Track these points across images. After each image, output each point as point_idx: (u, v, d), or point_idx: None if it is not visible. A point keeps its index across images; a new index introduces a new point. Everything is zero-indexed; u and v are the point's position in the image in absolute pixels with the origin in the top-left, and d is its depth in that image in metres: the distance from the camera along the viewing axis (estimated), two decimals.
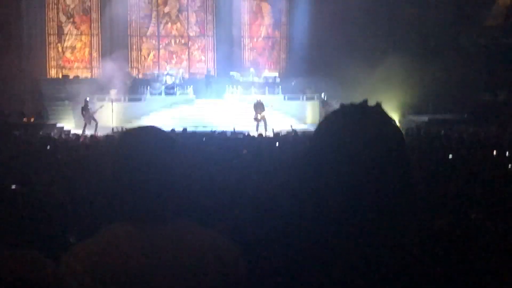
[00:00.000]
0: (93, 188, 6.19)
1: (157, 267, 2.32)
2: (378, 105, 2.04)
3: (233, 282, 2.32)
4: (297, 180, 2.08)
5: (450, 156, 14.67)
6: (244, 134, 22.38)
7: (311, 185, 1.98)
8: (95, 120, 30.41)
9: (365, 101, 2.06)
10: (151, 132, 2.50)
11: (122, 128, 24.50)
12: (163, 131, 2.54)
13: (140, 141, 2.44)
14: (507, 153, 15.44)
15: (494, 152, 15.55)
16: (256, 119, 30.84)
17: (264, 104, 31.24)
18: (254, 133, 24.53)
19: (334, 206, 1.93)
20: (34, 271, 2.13)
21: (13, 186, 7.80)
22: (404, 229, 1.94)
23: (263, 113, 30.96)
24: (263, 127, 30.26)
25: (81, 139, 22.53)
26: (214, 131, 23.66)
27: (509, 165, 12.89)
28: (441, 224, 3.54)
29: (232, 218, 4.42)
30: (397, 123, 2.06)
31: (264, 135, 23.80)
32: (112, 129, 25.51)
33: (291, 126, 25.35)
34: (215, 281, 2.34)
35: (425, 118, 31.80)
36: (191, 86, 35.79)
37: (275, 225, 2.06)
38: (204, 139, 19.23)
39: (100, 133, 26.54)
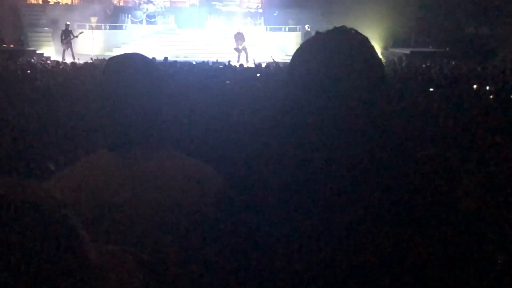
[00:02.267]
0: (74, 115, 6.17)
1: (139, 195, 2.31)
2: (352, 29, 2.02)
3: (215, 210, 2.32)
4: (277, 113, 2.07)
5: (431, 89, 14.73)
6: (225, 64, 22.28)
7: (289, 118, 1.96)
8: (71, 47, 30.16)
9: (338, 28, 2.04)
10: (136, 59, 2.47)
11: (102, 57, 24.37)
12: (148, 58, 2.50)
13: (125, 68, 2.40)
14: (487, 87, 15.53)
15: (475, 86, 15.61)
16: (237, 49, 30.70)
17: (244, 35, 31.06)
18: (235, 64, 24.43)
19: (313, 138, 1.92)
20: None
21: None
22: (385, 159, 1.92)
23: (244, 44, 30.80)
24: (244, 57, 30.13)
25: (60, 66, 22.39)
26: (194, 61, 23.56)
27: (491, 96, 12.99)
28: (423, 155, 3.55)
29: (217, 149, 4.44)
30: (379, 54, 2.04)
31: (245, 66, 23.74)
32: (91, 58, 25.28)
33: (271, 57, 25.23)
34: (198, 209, 2.34)
35: (407, 51, 31.75)
36: (173, 15, 35.42)
37: (259, 158, 2.03)
38: (185, 68, 19.17)
39: (80, 60, 26.35)
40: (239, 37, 30.96)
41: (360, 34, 2.00)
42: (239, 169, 2.09)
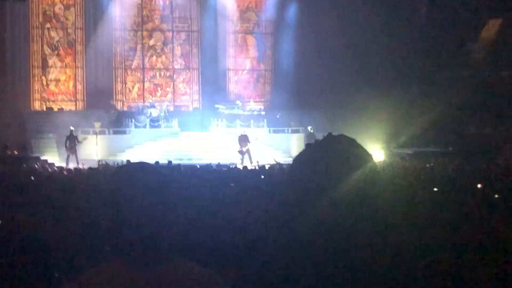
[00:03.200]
0: (81, 223, 6.20)
1: None
2: (341, 135, 2.22)
3: None
4: (279, 205, 2.27)
5: (435, 189, 14.74)
6: (229, 167, 22.41)
7: (291, 208, 2.11)
8: (75, 152, 30.41)
9: (329, 134, 2.25)
10: (144, 168, 2.51)
11: (106, 162, 24.52)
12: (155, 167, 2.55)
13: (134, 177, 2.44)
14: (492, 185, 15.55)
15: (479, 186, 15.63)
16: (241, 152, 30.93)
17: (248, 136, 31.35)
18: (239, 166, 24.57)
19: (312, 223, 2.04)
20: None
21: None
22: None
23: (248, 146, 31.06)
24: (248, 159, 30.32)
25: (64, 172, 22.49)
26: (198, 164, 23.70)
27: (495, 196, 12.98)
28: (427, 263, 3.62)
29: (225, 253, 4.45)
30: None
31: (248, 168, 23.85)
32: (98, 161, 25.48)
33: (274, 159, 25.44)
34: None
35: (409, 151, 31.93)
36: (176, 118, 35.81)
37: (269, 256, 2.14)
38: (189, 172, 19.24)
39: (84, 165, 26.49)
40: (243, 139, 31.25)
41: (348, 138, 2.21)
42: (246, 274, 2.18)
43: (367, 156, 2.19)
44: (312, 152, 2.17)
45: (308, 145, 2.23)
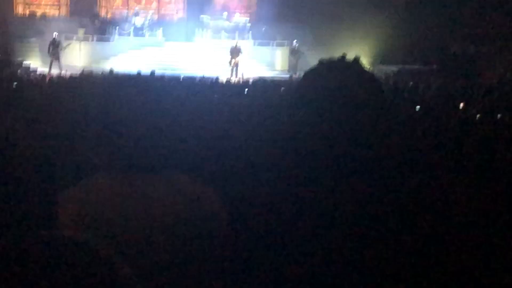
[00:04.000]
0: (69, 132, 6.21)
1: (144, 217, 2.34)
2: (356, 60, 2.16)
3: (215, 235, 2.37)
4: (281, 132, 2.22)
5: (418, 107, 14.85)
6: (212, 80, 22.33)
7: (296, 138, 2.10)
8: (59, 59, 30.19)
9: (343, 57, 2.18)
10: (139, 80, 2.53)
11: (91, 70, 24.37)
12: (152, 79, 2.56)
13: (125, 89, 2.46)
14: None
15: (461, 105, 15.76)
16: (231, 63, 30.78)
17: (241, 49, 31.16)
18: (224, 78, 24.45)
19: (319, 155, 2.05)
20: None
21: None
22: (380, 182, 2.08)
23: (238, 58, 30.90)
24: (235, 72, 30.24)
25: (47, 78, 22.37)
26: (182, 76, 23.56)
27: (477, 116, 13.11)
28: (412, 185, 3.66)
29: (216, 167, 4.51)
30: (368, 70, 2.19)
31: (234, 81, 23.86)
32: (83, 70, 25.35)
33: (257, 76, 25.47)
34: (199, 233, 2.39)
35: (394, 68, 31.94)
36: (161, 28, 35.49)
37: (259, 176, 2.16)
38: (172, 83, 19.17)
39: (68, 72, 26.33)
40: (235, 51, 31.05)
41: (359, 62, 2.15)
42: (240, 184, 2.22)
43: (384, 101, 2.15)
44: (322, 75, 2.12)
45: (322, 62, 2.17)
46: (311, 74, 2.16)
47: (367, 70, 2.14)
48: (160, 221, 2.36)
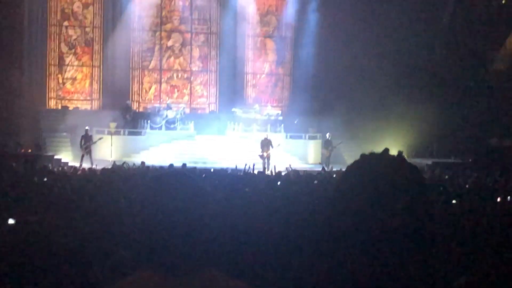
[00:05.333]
0: (102, 228, 6.22)
1: None
2: (399, 155, 2.17)
3: None
4: (320, 223, 2.22)
5: (454, 201, 14.71)
6: (244, 171, 22.37)
7: (336, 229, 2.09)
8: (90, 153, 30.52)
9: (387, 150, 2.19)
10: (180, 177, 2.53)
11: (127, 162, 24.60)
12: (190, 176, 2.56)
13: (170, 187, 2.47)
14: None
15: (498, 199, 15.60)
16: (262, 156, 30.86)
17: (271, 141, 31.29)
18: (256, 171, 24.47)
19: (358, 246, 2.05)
20: None
21: (11, 221, 7.79)
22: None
23: (270, 151, 31.00)
24: (267, 165, 30.30)
25: (79, 172, 22.59)
26: (212, 168, 23.68)
27: None
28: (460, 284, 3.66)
29: (254, 263, 4.49)
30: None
31: (265, 173, 23.88)
32: (114, 162, 25.62)
33: (290, 165, 25.47)
34: None
35: (428, 161, 31.83)
36: (192, 121, 35.87)
37: (299, 268, 2.16)
38: (204, 175, 19.27)
39: (98, 166, 26.56)
40: (266, 143, 31.17)
41: (402, 157, 2.16)
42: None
43: (424, 188, 2.16)
44: (366, 168, 2.13)
45: (364, 156, 2.18)
46: (353, 167, 2.17)
47: (411, 164, 2.15)
48: None
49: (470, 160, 32.53)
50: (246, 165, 22.80)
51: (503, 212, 12.74)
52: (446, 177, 23.62)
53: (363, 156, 2.18)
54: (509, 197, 16.05)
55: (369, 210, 2.04)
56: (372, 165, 2.12)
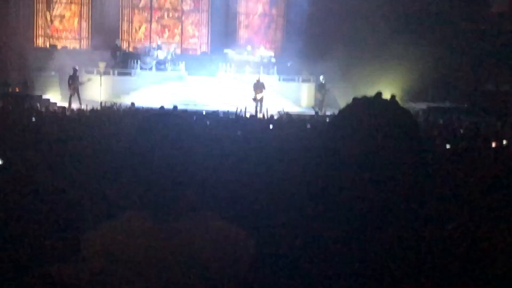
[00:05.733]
0: (91, 168, 6.20)
1: (171, 260, 2.32)
2: (393, 98, 2.14)
3: (244, 276, 2.33)
4: (311, 168, 2.18)
5: (448, 146, 14.76)
6: (236, 114, 22.34)
7: (327, 174, 2.07)
8: (78, 93, 30.39)
9: (379, 94, 2.16)
10: (171, 119, 2.50)
11: (116, 103, 24.57)
12: (181, 117, 2.53)
13: (161, 128, 2.43)
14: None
15: (493, 144, 15.67)
16: (255, 99, 30.82)
17: (264, 84, 31.21)
18: (248, 114, 24.46)
19: (352, 195, 2.03)
20: None
21: None
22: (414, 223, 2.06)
23: (263, 94, 30.94)
24: (259, 108, 30.27)
25: (67, 112, 22.55)
26: (204, 111, 23.63)
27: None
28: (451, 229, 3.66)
29: (247, 206, 4.47)
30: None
31: (258, 117, 23.88)
32: (101, 103, 25.56)
33: (283, 109, 25.47)
34: (227, 275, 2.36)
35: (423, 105, 31.86)
36: (183, 62, 35.68)
37: (289, 212, 2.15)
38: (195, 118, 19.23)
39: (87, 107, 26.49)
40: (259, 86, 31.09)
41: (395, 101, 2.13)
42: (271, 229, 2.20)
43: (417, 132, 2.14)
44: (354, 118, 2.11)
45: (356, 100, 2.16)
46: (345, 112, 2.14)
47: (404, 108, 2.13)
48: (185, 262, 2.33)
49: (465, 105, 32.57)
50: (237, 108, 22.75)
51: (497, 156, 12.79)
52: (441, 121, 23.68)
53: (355, 99, 2.15)
54: (504, 141, 16.14)
55: (358, 157, 2.02)
56: (364, 109, 2.09)
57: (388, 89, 28.84)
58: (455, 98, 33.82)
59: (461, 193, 7.74)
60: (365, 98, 2.14)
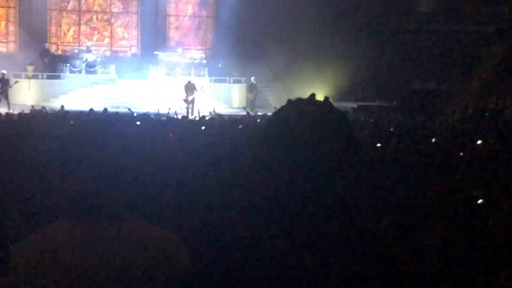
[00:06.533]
0: (21, 175, 6.13)
1: (103, 267, 2.33)
2: (326, 100, 2.20)
3: (179, 279, 2.35)
4: (249, 169, 2.23)
5: (379, 144, 14.99)
6: (168, 116, 22.27)
7: (264, 175, 2.11)
8: (7, 97, 29.93)
9: (313, 96, 2.22)
10: (102, 123, 2.50)
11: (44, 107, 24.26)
12: (112, 122, 2.54)
13: (93, 134, 2.44)
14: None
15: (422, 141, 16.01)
16: (186, 100, 30.77)
17: (195, 85, 31.20)
18: (179, 116, 24.41)
19: (288, 190, 2.07)
20: None
21: None
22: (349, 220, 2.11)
23: (194, 95, 30.91)
24: (191, 109, 30.24)
25: None
26: (135, 113, 23.48)
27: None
28: (384, 226, 3.73)
29: (177, 209, 4.49)
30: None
31: (190, 118, 23.87)
32: (33, 106, 25.23)
33: (214, 110, 25.51)
34: (161, 279, 2.37)
35: (354, 105, 32.22)
36: (113, 64, 35.37)
37: (226, 216, 2.17)
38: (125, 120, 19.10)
39: (16, 111, 26.07)
40: (190, 87, 31.07)
41: (328, 102, 2.18)
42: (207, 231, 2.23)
43: (356, 142, 2.20)
44: (290, 118, 2.15)
45: (291, 102, 2.20)
46: (279, 114, 2.19)
47: (338, 110, 2.19)
48: (117, 270, 2.34)
49: (394, 103, 33.04)
50: (169, 109, 22.69)
51: (428, 154, 13.06)
52: (371, 120, 24.01)
53: (289, 101, 2.20)
54: (433, 139, 16.48)
55: (294, 157, 2.06)
56: (299, 111, 2.14)
57: (321, 89, 29.16)
58: (384, 97, 34.27)
59: (393, 191, 7.90)
60: (299, 100, 2.20)
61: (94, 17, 39.57)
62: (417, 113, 27.29)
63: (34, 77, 32.83)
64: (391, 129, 20.03)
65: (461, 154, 13.20)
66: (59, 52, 37.70)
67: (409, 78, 35.39)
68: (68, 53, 36.53)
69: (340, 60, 32.63)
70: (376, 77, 35.32)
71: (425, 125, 22.17)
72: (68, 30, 39.08)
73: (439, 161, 11.95)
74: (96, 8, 39.46)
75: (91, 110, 22.17)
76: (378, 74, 35.35)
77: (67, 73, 33.92)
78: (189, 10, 40.90)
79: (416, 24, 36.28)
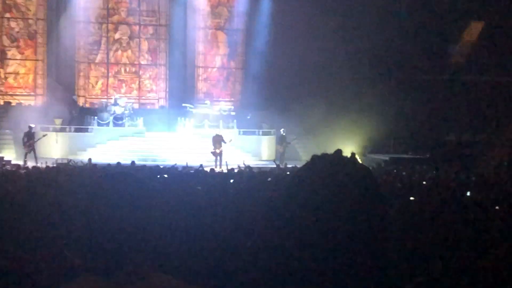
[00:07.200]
0: (49, 229, 6.14)
1: None
2: (352, 156, 2.18)
3: None
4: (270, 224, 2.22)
5: (412, 198, 14.85)
6: (196, 169, 22.29)
7: (289, 230, 2.10)
8: (34, 150, 30.16)
9: (339, 151, 2.20)
10: (127, 177, 2.50)
11: (72, 160, 24.40)
12: (137, 176, 2.53)
13: (117, 187, 2.43)
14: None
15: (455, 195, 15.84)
16: (214, 153, 30.83)
17: (223, 137, 31.27)
18: (207, 168, 24.43)
19: (313, 248, 2.06)
20: None
21: None
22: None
23: (222, 147, 30.95)
24: (219, 161, 30.27)
25: (22, 170, 22.30)
26: (163, 166, 23.55)
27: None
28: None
29: (205, 264, 4.46)
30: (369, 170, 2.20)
31: (218, 170, 23.84)
32: (56, 160, 25.37)
33: (243, 162, 25.48)
34: None
35: (385, 157, 32.10)
36: (141, 117, 35.62)
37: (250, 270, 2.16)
38: (153, 173, 19.14)
39: (43, 164, 26.26)
40: (218, 140, 31.11)
41: (354, 158, 2.17)
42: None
43: (381, 199, 2.18)
44: (314, 175, 2.14)
45: (316, 158, 2.19)
46: (303, 170, 2.18)
47: (363, 166, 2.16)
48: None
49: (427, 155, 32.87)
50: (201, 165, 22.75)
51: (462, 209, 12.90)
52: (404, 173, 23.85)
53: (314, 157, 2.19)
54: (468, 193, 16.31)
55: (316, 214, 2.05)
56: (323, 167, 2.13)
57: (348, 141, 29.14)
58: (417, 150, 34.12)
59: (421, 246, 7.80)
60: (324, 155, 2.19)
61: (123, 69, 40.00)
62: (452, 166, 27.09)
63: (62, 130, 33.16)
64: (424, 182, 19.87)
65: (497, 208, 13.03)
66: (87, 105, 38.10)
67: (443, 129, 35.26)
68: (96, 106, 36.88)
69: (373, 111, 32.57)
70: (410, 128, 35.20)
71: (459, 177, 21.97)
72: (96, 82, 39.53)
73: (473, 217, 11.81)
74: (124, 60, 39.94)
75: (118, 163, 22.31)
76: (412, 126, 35.25)
77: (95, 126, 34.19)
78: (218, 61, 41.22)
79: (449, 75, 36.27)
